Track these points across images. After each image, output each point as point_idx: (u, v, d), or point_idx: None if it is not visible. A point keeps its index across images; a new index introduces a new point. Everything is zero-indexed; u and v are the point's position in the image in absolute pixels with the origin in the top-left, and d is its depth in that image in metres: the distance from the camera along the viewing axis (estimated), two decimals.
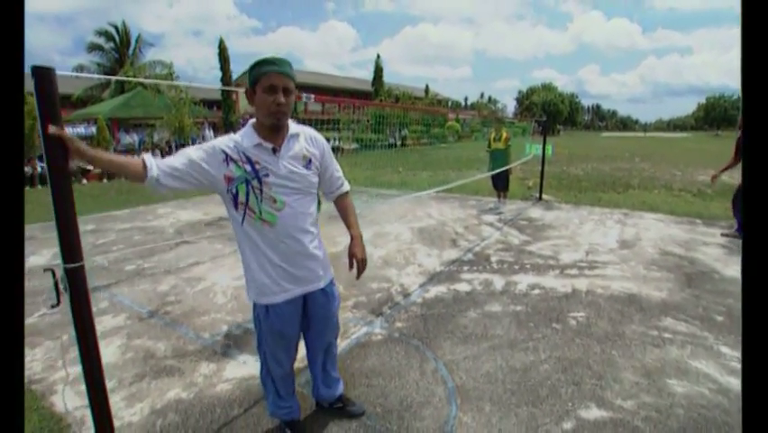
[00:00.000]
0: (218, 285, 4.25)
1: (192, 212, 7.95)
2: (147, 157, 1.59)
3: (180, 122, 16.67)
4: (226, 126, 22.19)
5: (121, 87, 22.77)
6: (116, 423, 2.21)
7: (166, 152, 14.25)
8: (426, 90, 47.91)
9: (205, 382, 2.66)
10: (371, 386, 2.61)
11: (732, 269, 4.74)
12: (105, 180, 13.52)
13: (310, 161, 1.80)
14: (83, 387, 2.48)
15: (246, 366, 2.83)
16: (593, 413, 2.36)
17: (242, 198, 1.69)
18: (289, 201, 1.73)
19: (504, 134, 7.88)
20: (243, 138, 1.71)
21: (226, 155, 1.66)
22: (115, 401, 2.42)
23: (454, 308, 3.75)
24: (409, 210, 8.01)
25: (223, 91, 23.55)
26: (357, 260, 1.98)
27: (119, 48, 26.99)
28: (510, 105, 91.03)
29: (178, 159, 1.62)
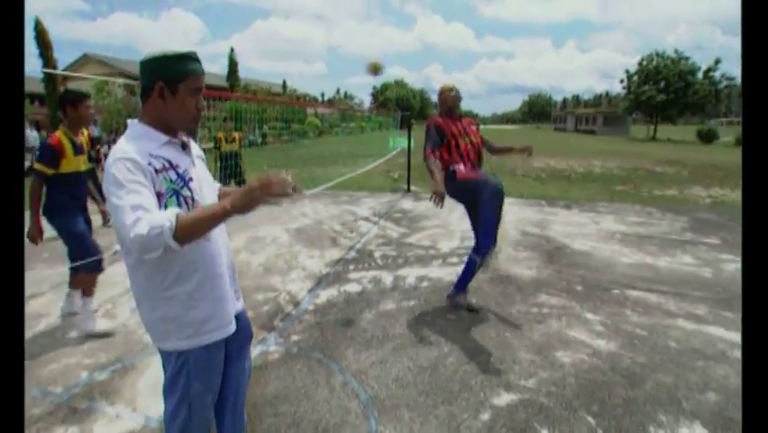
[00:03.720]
0: (67, 320, 3.45)
1: None
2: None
3: None
4: (54, 125, 18.58)
5: None
6: None
7: None
8: (284, 86, 46.73)
9: None
10: (279, 415, 2.33)
11: (577, 243, 5.47)
12: None
13: (203, 159, 1.59)
14: None
15: (121, 421, 2.30)
16: (504, 399, 2.45)
17: None
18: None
19: (236, 136, 7.72)
20: (142, 140, 1.35)
21: (154, 168, 1.31)
22: None
23: (349, 312, 3.62)
24: (282, 210, 7.63)
25: (47, 84, 19.57)
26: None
27: None
28: (366, 101, 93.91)
29: (145, 198, 1.24)
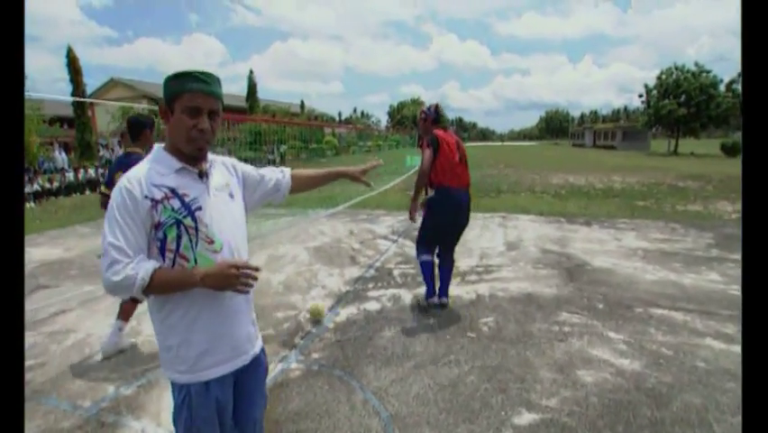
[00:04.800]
0: (95, 336, 3.55)
1: (48, 249, 6.66)
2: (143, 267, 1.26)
3: (25, 141, 14.11)
4: (82, 147, 19.28)
5: None
6: None
7: None
8: (302, 106, 47.67)
9: None
10: (300, 431, 2.36)
11: (598, 260, 5.40)
12: None
13: (231, 192, 1.50)
14: None
15: None
16: (525, 418, 2.43)
17: (170, 244, 1.31)
18: (228, 240, 1.39)
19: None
20: (156, 165, 1.35)
21: (153, 201, 1.28)
22: None
23: (369, 330, 3.64)
24: (302, 229, 7.74)
25: (75, 107, 20.43)
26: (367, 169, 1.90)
27: None
28: (383, 119, 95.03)
29: (129, 240, 1.27)
